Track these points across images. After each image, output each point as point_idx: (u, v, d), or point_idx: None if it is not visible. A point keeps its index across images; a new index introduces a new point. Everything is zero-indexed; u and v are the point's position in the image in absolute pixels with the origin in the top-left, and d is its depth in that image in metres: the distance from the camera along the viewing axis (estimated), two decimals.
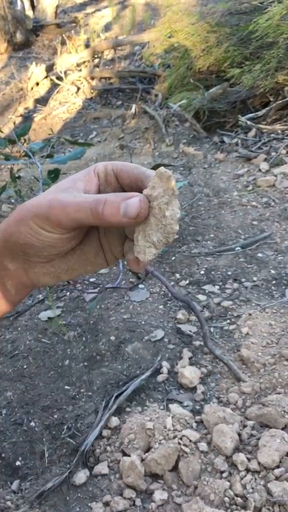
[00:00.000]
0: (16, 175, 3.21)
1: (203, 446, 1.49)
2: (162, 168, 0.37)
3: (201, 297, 2.38)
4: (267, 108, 4.13)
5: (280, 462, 1.40)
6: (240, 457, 1.42)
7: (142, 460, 1.49)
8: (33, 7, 9.10)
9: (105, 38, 7.45)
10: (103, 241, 0.45)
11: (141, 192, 0.40)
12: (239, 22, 4.72)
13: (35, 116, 5.56)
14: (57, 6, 8.64)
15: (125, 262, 0.45)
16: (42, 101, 5.93)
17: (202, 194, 3.35)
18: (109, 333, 2.19)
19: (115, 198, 0.38)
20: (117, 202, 0.37)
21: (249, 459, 1.43)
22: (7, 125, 5.42)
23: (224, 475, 1.41)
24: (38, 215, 0.39)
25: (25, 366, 2.06)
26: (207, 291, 2.42)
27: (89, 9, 9.93)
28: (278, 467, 1.39)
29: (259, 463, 1.40)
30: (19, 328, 2.30)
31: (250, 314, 2.16)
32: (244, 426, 1.55)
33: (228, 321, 2.18)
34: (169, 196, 0.37)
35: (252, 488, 1.35)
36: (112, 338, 2.15)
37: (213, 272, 2.55)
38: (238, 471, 1.41)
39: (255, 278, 2.46)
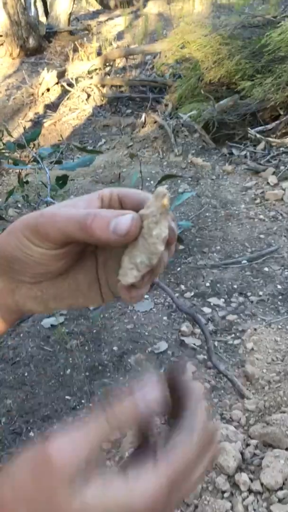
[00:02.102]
0: (24, 180, 3.21)
1: None
2: (160, 187, 0.35)
3: (206, 309, 2.36)
4: (276, 122, 4.13)
5: (284, 484, 1.36)
6: (243, 477, 1.39)
7: None
8: (46, 13, 9.18)
9: (117, 46, 7.50)
10: (100, 272, 0.42)
11: None
12: (252, 35, 4.74)
13: (45, 122, 5.58)
14: (71, 13, 8.71)
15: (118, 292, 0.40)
16: (53, 107, 5.95)
17: (210, 206, 3.34)
18: (112, 343, 2.17)
19: (106, 213, 0.36)
20: (108, 217, 0.35)
21: (251, 480, 1.40)
22: (16, 130, 5.43)
23: (226, 495, 1.38)
24: (27, 226, 0.38)
25: (26, 374, 2.04)
26: (212, 304, 2.40)
27: (102, 17, 10.01)
28: (281, 489, 1.35)
29: (262, 484, 1.37)
30: (21, 335, 2.28)
31: (255, 329, 2.13)
32: (247, 445, 1.52)
33: (233, 335, 2.15)
34: (160, 214, 0.34)
35: (254, 510, 1.32)
36: (115, 348, 2.12)
37: (218, 285, 2.53)
38: (240, 491, 1.38)
39: (261, 293, 2.44)
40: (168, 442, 0.33)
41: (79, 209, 0.38)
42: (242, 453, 1.49)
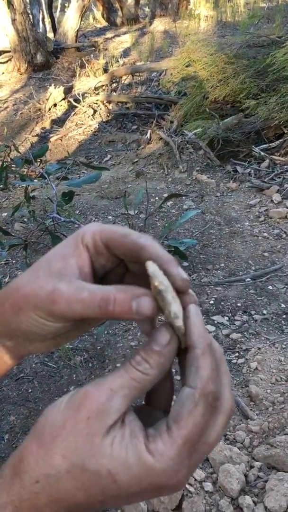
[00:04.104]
0: (31, 195, 3.24)
1: (208, 486, 1.46)
2: (148, 262, 0.36)
3: (210, 327, 2.36)
4: (280, 140, 4.17)
5: None
6: (246, 501, 1.39)
7: None
8: (54, 30, 9.34)
9: (123, 63, 7.60)
10: None
11: (140, 264, 0.39)
12: (257, 54, 4.81)
13: (51, 137, 5.64)
14: (78, 30, 8.84)
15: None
16: (59, 122, 6.02)
17: (214, 223, 3.36)
18: (116, 360, 2.17)
19: (124, 295, 0.37)
20: (127, 300, 0.37)
21: (255, 503, 1.40)
22: (23, 144, 5.49)
23: None
24: (39, 308, 0.38)
25: (29, 390, 2.04)
26: (216, 322, 2.40)
27: (109, 34, 10.17)
28: None
29: (265, 508, 1.36)
30: None
31: (259, 348, 2.13)
32: (251, 467, 1.52)
33: (237, 354, 2.15)
34: (162, 294, 0.37)
35: None
36: (119, 365, 2.12)
37: (222, 303, 2.54)
38: None
39: (265, 311, 2.44)
40: (175, 403, 0.36)
41: (77, 274, 0.39)
42: (246, 476, 1.48)
